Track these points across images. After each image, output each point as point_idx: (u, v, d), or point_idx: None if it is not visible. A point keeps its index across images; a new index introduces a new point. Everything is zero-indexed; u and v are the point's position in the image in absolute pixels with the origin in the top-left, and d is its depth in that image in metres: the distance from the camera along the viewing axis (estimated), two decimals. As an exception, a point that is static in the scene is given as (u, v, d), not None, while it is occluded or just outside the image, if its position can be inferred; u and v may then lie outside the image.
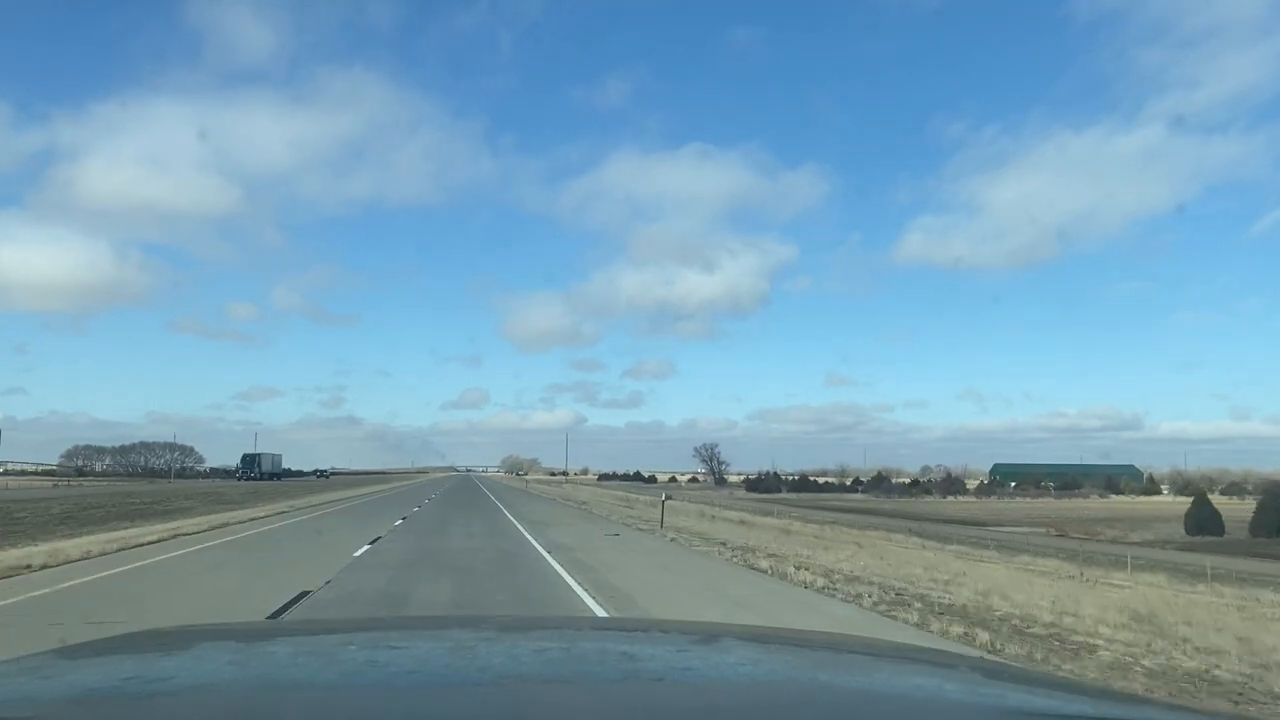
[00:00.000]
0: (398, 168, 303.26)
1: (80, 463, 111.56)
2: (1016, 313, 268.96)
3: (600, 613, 9.20)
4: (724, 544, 17.46)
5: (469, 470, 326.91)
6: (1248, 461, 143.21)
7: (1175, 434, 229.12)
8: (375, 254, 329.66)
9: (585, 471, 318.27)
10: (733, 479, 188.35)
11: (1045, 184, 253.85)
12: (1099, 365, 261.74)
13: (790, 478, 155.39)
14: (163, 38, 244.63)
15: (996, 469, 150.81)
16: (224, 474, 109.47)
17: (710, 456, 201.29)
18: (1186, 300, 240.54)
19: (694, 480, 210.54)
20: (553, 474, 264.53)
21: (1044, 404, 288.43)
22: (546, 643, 2.12)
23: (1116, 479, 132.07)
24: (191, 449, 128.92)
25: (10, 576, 11.23)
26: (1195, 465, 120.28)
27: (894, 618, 8.78)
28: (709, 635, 2.54)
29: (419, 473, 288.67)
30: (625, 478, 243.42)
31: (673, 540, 18.35)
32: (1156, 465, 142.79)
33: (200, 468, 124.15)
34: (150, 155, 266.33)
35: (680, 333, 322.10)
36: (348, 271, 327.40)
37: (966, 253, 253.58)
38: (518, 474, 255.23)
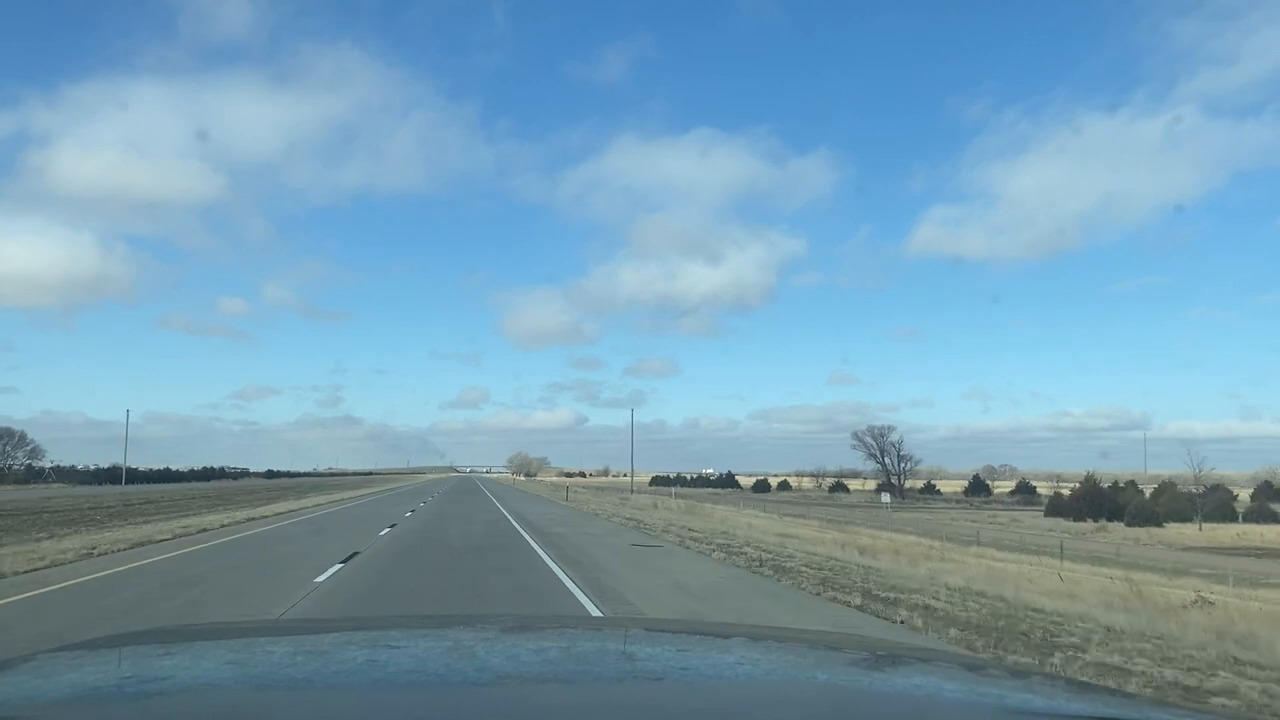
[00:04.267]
0: (389, 155, 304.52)
1: None
2: (1025, 309, 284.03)
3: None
4: None
5: (471, 470, 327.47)
6: (1257, 463, 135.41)
7: (1181, 434, 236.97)
8: (368, 248, 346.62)
9: (605, 472, 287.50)
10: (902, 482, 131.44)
11: (1065, 172, 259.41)
12: (1107, 363, 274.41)
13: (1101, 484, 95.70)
14: (137, 15, 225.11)
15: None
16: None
17: (881, 448, 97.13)
18: (1200, 295, 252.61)
19: (839, 487, 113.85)
20: (567, 474, 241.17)
21: (1050, 403, 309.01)
22: (546, 642, 2.26)
23: None
24: (23, 435, 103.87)
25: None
26: (1206, 467, 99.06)
27: None
28: (708, 635, 2.66)
29: (413, 474, 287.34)
30: (693, 481, 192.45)
31: None
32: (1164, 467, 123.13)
33: (44, 466, 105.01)
34: (129, 140, 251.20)
35: (682, 329, 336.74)
36: (339, 266, 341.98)
37: (981, 245, 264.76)
38: (526, 474, 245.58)
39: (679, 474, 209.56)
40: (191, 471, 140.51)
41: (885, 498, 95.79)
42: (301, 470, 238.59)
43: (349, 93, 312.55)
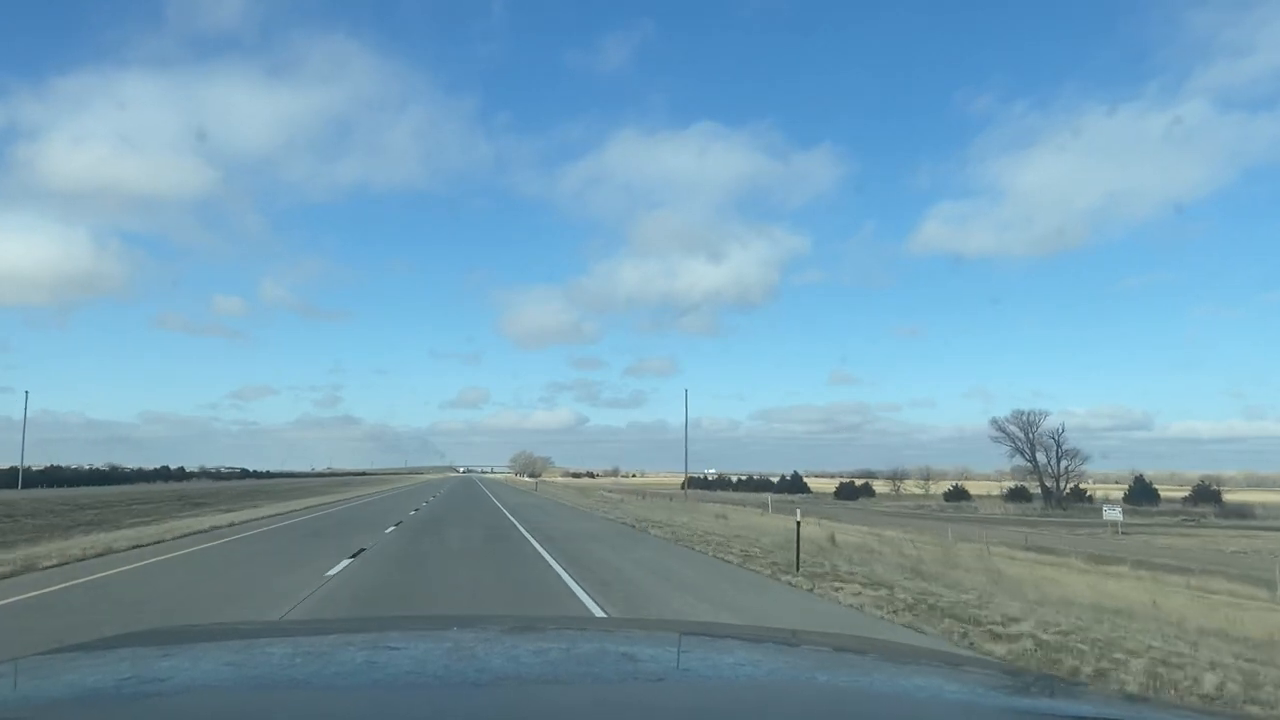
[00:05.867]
0: (386, 150, 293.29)
1: None
2: (1028, 307, 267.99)
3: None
4: None
5: (466, 470, 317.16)
6: (1260, 464, 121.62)
7: (1184, 434, 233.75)
8: (365, 246, 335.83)
9: (615, 472, 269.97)
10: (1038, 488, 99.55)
11: (1072, 166, 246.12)
12: (1110, 362, 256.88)
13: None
14: (127, 4, 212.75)
15: None
16: None
17: (1030, 440, 57.15)
18: (1206, 293, 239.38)
19: (958, 493, 75.94)
20: (574, 475, 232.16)
21: (1052, 402, 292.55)
22: (546, 643, 2.32)
23: None
24: None
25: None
26: (1212, 468, 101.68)
27: None
28: (709, 635, 2.72)
29: (411, 473, 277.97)
30: (742, 485, 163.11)
31: None
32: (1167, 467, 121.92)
33: None
34: (120, 134, 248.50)
35: (683, 328, 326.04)
36: (337, 264, 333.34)
37: (985, 242, 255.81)
38: (531, 475, 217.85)
39: (719, 474, 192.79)
40: (138, 472, 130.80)
41: (1114, 513, 66.48)
42: (297, 470, 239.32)
43: (344, 85, 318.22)
